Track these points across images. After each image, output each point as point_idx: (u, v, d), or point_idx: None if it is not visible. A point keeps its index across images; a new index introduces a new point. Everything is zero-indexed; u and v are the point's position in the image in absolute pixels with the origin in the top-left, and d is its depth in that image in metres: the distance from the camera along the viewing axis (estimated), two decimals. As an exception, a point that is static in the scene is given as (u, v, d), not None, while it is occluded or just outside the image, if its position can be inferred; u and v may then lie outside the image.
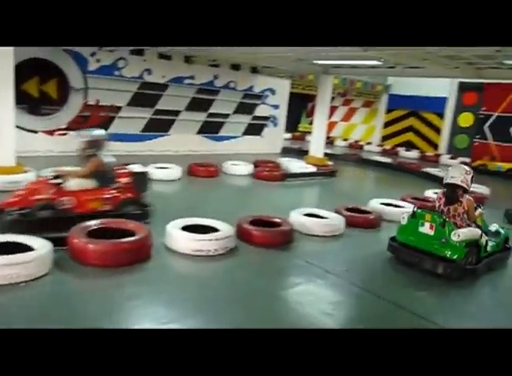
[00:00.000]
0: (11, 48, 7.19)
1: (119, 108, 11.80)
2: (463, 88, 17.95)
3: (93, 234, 4.53)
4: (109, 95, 11.48)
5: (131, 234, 4.60)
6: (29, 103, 10.24)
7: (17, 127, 7.99)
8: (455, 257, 4.77)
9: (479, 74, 10.34)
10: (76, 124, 11.08)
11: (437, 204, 5.30)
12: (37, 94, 10.48)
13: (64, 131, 10.93)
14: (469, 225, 5.08)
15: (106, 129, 11.48)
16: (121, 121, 11.90)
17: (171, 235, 4.97)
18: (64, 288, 3.90)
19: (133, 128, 12.21)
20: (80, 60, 10.82)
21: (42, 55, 10.19)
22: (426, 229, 5.03)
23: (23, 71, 9.15)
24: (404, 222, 5.29)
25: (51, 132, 10.76)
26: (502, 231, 5.68)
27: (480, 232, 5.05)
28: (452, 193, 5.07)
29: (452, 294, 4.62)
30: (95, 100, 11.30)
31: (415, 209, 5.26)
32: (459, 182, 5.00)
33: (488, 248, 5.22)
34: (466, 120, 18.24)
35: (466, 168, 5.21)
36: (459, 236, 4.75)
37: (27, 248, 4.03)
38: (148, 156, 11.71)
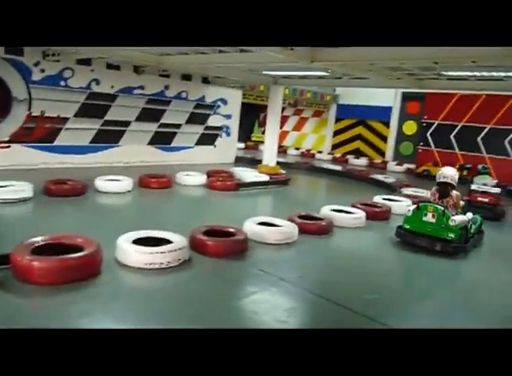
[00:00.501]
0: None
1: (66, 119, 11.41)
2: (407, 97, 18.87)
3: (38, 251, 4.33)
4: (55, 106, 11.08)
5: (80, 249, 4.44)
6: (-34, 114, 9.70)
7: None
8: (454, 238, 6.21)
9: (420, 85, 10.92)
10: (19, 137, 10.62)
11: (432, 198, 6.72)
12: (-24, 105, 9.96)
13: (7, 144, 10.42)
14: (457, 214, 6.43)
15: (52, 141, 11.20)
16: (68, 132, 11.50)
17: (121, 249, 4.84)
18: (6, 309, 3.69)
19: (81, 140, 11.83)
20: (23, 70, 10.38)
21: (-19, 64, 9.71)
22: (429, 218, 6.40)
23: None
24: (409, 214, 6.65)
25: (-9, 145, 10.23)
26: (478, 217, 7.15)
27: (468, 218, 6.48)
28: (445, 189, 6.56)
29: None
30: (40, 111, 10.87)
31: (420, 204, 6.60)
32: (449, 181, 6.49)
33: (472, 230, 6.71)
34: (410, 128, 19.16)
35: (453, 170, 6.79)
36: (455, 221, 6.19)
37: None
38: (97, 168, 11.39)
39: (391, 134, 19.77)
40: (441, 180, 6.56)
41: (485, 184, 11.02)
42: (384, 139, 20.15)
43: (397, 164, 18.32)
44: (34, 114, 10.78)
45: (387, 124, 19.92)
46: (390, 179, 13.61)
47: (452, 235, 6.21)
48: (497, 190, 10.20)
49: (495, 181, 11.73)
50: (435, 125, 17.65)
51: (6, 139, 10.42)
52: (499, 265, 6.37)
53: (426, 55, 6.42)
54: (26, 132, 10.72)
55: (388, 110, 19.64)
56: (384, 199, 9.48)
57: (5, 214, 6.90)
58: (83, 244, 4.54)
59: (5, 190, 7.33)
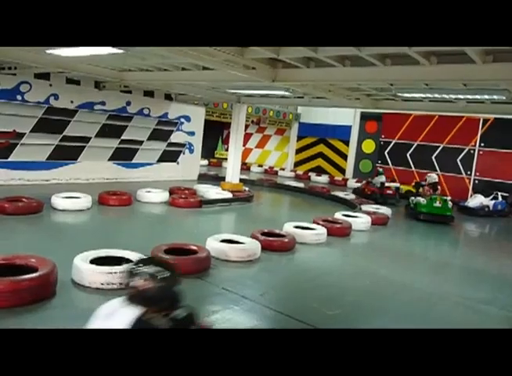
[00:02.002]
0: None
1: (22, 134, 11.02)
2: (365, 117, 19.53)
3: (-12, 272, 4.12)
4: (11, 120, 10.70)
5: (34, 270, 4.25)
6: None
7: None
8: (451, 214, 11.30)
9: (377, 105, 11.35)
10: (-30, 152, 10.16)
11: (427, 193, 11.86)
12: None
13: (-44, 160, 9.93)
14: None
15: (6, 157, 10.76)
16: (24, 148, 11.10)
17: (78, 269, 4.68)
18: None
19: (38, 156, 11.44)
20: (-25, 83, 10.01)
21: None
22: (437, 204, 11.25)
23: None
24: (424, 202, 11.32)
25: None
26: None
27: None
28: (435, 186, 12.02)
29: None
30: (-6, 126, 10.46)
31: (432, 196, 11.43)
32: (437, 180, 12.33)
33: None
34: (369, 146, 19.78)
35: (435, 175, 12.97)
36: (450, 204, 11.35)
37: None
38: (54, 185, 11.02)
39: (351, 152, 20.33)
40: (434, 181, 12.20)
41: (383, 182, 14.44)
42: (345, 156, 20.68)
43: (357, 182, 18.80)
44: (-13, 129, 10.37)
45: (346, 143, 20.47)
46: (350, 196, 13.92)
47: (449, 212, 11.26)
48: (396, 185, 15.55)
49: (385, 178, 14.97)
50: (392, 144, 18.33)
51: (-44, 154, 9.94)
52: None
53: (381, 76, 6.70)
54: (-22, 148, 10.28)
55: (348, 129, 20.23)
56: (345, 215, 9.68)
57: (-48, 233, 6.54)
58: (37, 265, 4.36)
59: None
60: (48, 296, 4.24)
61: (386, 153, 18.53)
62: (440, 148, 17.07)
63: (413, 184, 16.24)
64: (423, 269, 7.14)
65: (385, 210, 11.33)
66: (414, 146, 17.71)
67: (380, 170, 15.57)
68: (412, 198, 12.09)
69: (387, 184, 14.58)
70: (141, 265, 2.39)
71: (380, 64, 6.26)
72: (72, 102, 11.90)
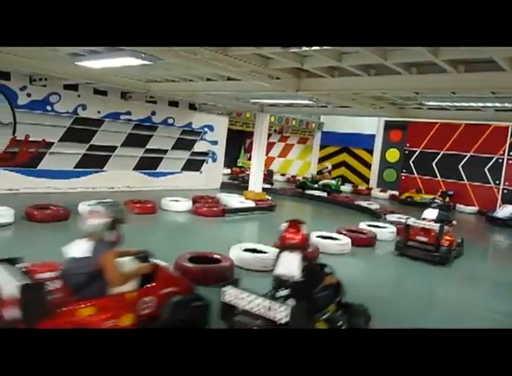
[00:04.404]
0: None
1: (51, 144, 11.34)
2: (389, 126, 19.31)
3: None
4: (41, 130, 11.03)
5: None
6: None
7: None
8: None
9: (402, 114, 11.20)
10: (2, 161, 10.49)
11: (328, 177, 17.48)
12: (-41, 129, 9.86)
13: (-11, 168, 10.28)
14: None
15: (35, 166, 11.08)
16: (53, 156, 11.41)
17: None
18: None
19: (66, 165, 11.74)
20: (9, 94, 10.36)
21: (-34, 88, 9.67)
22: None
23: None
24: (334, 182, 16.69)
25: (-27, 169, 10.08)
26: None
27: None
28: (330, 173, 17.94)
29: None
30: (25, 135, 10.79)
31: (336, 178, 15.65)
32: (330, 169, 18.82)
33: None
34: (393, 155, 19.52)
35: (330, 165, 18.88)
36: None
37: None
38: (81, 193, 11.27)
39: (375, 161, 20.11)
40: (329, 169, 17.78)
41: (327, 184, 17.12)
42: (368, 165, 20.47)
43: (381, 191, 18.56)
44: (18, 138, 10.70)
45: (370, 152, 20.27)
46: (374, 206, 13.74)
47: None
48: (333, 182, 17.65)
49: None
50: (417, 153, 18.05)
51: (-11, 163, 10.29)
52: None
53: (407, 85, 6.63)
54: (9, 156, 10.61)
55: (372, 137, 20.03)
56: (369, 225, 9.55)
57: (-16, 239, 6.74)
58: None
59: (-15, 215, 7.19)
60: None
61: (411, 162, 18.26)
62: (467, 157, 16.71)
63: (439, 194, 15.96)
64: (452, 282, 6.96)
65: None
66: (440, 155, 17.39)
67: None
68: (320, 182, 17.28)
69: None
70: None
71: (406, 73, 6.19)
72: (99, 112, 12.19)
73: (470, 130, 16.26)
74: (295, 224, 3.81)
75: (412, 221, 8.13)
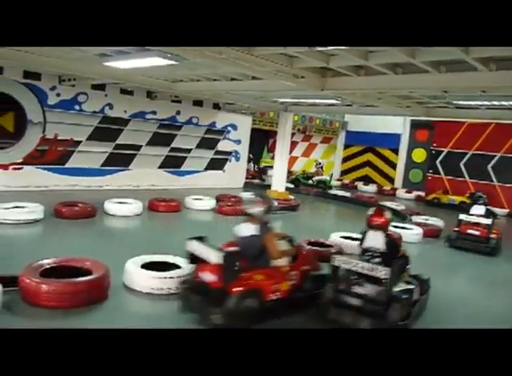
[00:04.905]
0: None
1: (78, 142, 11.60)
2: (415, 125, 18.95)
3: (47, 273, 4.33)
4: (69, 129, 11.29)
5: (88, 273, 4.43)
6: (-18, 136, 9.91)
7: (-31, 161, 7.66)
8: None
9: (429, 113, 10.97)
10: (32, 159, 10.79)
11: (321, 173, 17.36)
12: (-8, 127, 10.19)
13: (20, 166, 10.58)
14: None
15: (63, 164, 11.35)
16: (80, 155, 11.67)
17: (130, 273, 4.82)
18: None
19: (93, 163, 11.98)
20: (39, 94, 10.64)
21: (0, 88, 9.95)
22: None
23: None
24: (329, 178, 16.59)
25: (5, 166, 10.38)
26: None
27: None
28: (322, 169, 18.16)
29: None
30: (54, 134, 11.07)
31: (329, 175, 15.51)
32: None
33: None
34: (420, 155, 19.15)
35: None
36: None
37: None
38: (107, 190, 11.48)
39: (400, 161, 19.78)
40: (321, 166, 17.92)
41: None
42: (393, 165, 20.15)
43: (406, 192, 18.24)
44: (47, 137, 10.99)
45: (395, 151, 19.94)
46: (400, 207, 13.50)
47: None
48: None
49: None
50: (445, 153, 17.65)
51: (19, 160, 10.59)
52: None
53: (435, 84, 6.48)
54: (39, 154, 10.91)
55: (397, 137, 19.71)
56: (394, 227, 9.37)
57: (16, 235, 6.95)
58: (91, 268, 4.53)
59: (17, 211, 7.41)
60: (102, 299, 4.39)
61: (438, 162, 17.86)
62: (497, 157, 16.22)
63: (468, 195, 15.54)
64: (482, 284, 6.79)
65: (436, 221, 10.88)
66: (468, 156, 16.95)
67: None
68: (314, 178, 17.72)
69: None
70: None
71: (435, 71, 6.06)
72: (125, 111, 12.39)
73: (501, 129, 15.77)
74: (379, 210, 4.99)
75: (464, 216, 9.07)
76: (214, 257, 4.02)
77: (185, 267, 5.01)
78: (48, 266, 4.48)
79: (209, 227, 9.48)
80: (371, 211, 5.01)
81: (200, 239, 4.44)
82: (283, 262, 4.54)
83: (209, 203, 10.71)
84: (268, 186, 14.26)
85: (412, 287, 4.66)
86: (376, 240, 4.74)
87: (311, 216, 13.11)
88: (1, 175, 10.24)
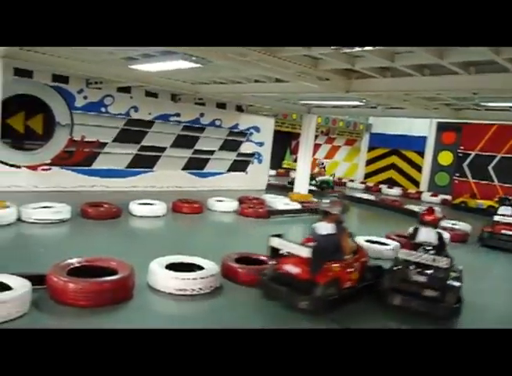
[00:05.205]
0: (-2, 85, 7.19)
1: (104, 144, 11.81)
2: (442, 127, 18.55)
3: (74, 272, 4.41)
4: (95, 131, 11.51)
5: (114, 273, 4.49)
6: (13, 137, 10.19)
7: (0, 162, 7.88)
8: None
9: (457, 115, 10.73)
10: (60, 160, 11.04)
11: (323, 173, 17.00)
12: (23, 129, 10.45)
13: (48, 167, 10.85)
14: None
15: (90, 165, 11.58)
16: (106, 156, 11.88)
17: (154, 273, 4.87)
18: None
19: (118, 164, 12.18)
20: (67, 97, 10.89)
21: (30, 91, 10.23)
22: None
23: (9, 106, 9.11)
24: (331, 179, 16.09)
25: (34, 167, 10.66)
26: None
27: None
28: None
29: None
30: (81, 136, 11.31)
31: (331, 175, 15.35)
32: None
33: None
34: (446, 158, 18.74)
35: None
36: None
37: (4, 287, 3.90)
38: (132, 192, 11.64)
39: (426, 164, 19.39)
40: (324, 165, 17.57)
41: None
42: (419, 168, 19.78)
43: (432, 195, 17.86)
44: (74, 139, 11.23)
45: (421, 154, 19.58)
46: (425, 210, 13.22)
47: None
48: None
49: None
50: (472, 156, 17.22)
51: (48, 161, 10.86)
52: None
53: (464, 85, 6.33)
54: (66, 156, 11.15)
55: (423, 139, 19.34)
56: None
57: (43, 235, 7.12)
58: (117, 267, 4.59)
59: (45, 211, 7.59)
60: (127, 298, 4.44)
61: (465, 165, 17.44)
62: (527, 161, 15.75)
63: (496, 199, 15.11)
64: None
65: (464, 226, 10.62)
66: (497, 159, 16.49)
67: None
68: (318, 179, 16.97)
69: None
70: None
71: (464, 72, 5.92)
72: (150, 113, 12.55)
73: (532, 132, 15.31)
74: (430, 209, 5.73)
75: (498, 217, 9.60)
76: (304, 252, 4.64)
77: (209, 268, 5.03)
78: (75, 265, 4.57)
79: (230, 229, 9.51)
80: (423, 209, 5.84)
81: (280, 236, 5.02)
82: (350, 255, 5.18)
83: (231, 205, 10.73)
84: (291, 189, 14.21)
85: (458, 275, 5.12)
86: (428, 236, 5.39)
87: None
88: (30, 176, 10.51)
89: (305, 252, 4.63)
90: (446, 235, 8.89)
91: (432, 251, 5.21)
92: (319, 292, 4.54)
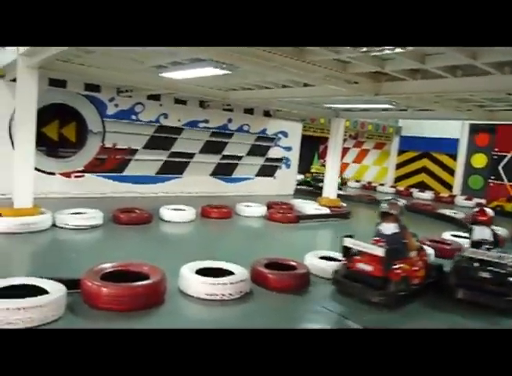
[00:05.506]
0: (35, 95, 7.45)
1: (135, 151, 12.06)
2: (475, 129, 18.01)
3: (107, 277, 4.50)
4: (126, 138, 11.77)
5: (146, 277, 4.56)
6: (48, 145, 10.54)
7: (35, 169, 8.15)
8: None
9: (491, 117, 10.40)
10: (92, 167, 11.34)
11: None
12: (57, 137, 10.80)
13: (81, 174, 11.16)
14: None
15: (121, 171, 11.84)
16: (137, 163, 12.12)
17: (185, 278, 4.91)
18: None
19: (148, 171, 12.41)
20: (99, 105, 11.20)
21: (64, 100, 10.58)
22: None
23: (44, 115, 9.44)
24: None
25: (68, 174, 10.98)
26: None
27: None
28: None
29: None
30: (112, 143, 11.59)
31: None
32: None
33: None
34: (480, 161, 18.18)
35: None
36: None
37: (41, 291, 4.02)
38: (162, 197, 11.83)
39: (459, 167, 18.86)
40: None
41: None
42: (451, 172, 19.26)
43: (466, 199, 17.35)
44: (106, 146, 11.52)
45: (453, 157, 19.06)
46: (459, 215, 12.86)
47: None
48: None
49: None
50: (508, 158, 16.63)
51: (81, 168, 11.17)
52: None
53: (499, 86, 6.12)
54: (98, 163, 11.45)
55: (454, 142, 18.84)
56: (454, 236, 8.94)
57: (77, 240, 7.31)
58: (149, 272, 4.66)
59: (78, 217, 7.80)
60: (159, 303, 4.50)
61: (500, 167, 16.87)
62: None
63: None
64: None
65: (500, 230, 10.24)
66: (535, 161, 15.89)
67: None
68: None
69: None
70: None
71: (498, 72, 5.73)
72: (179, 120, 12.75)
73: None
74: (482, 210, 6.14)
75: None
76: (378, 251, 5.00)
77: (238, 273, 5.04)
78: (108, 270, 4.67)
79: (259, 234, 9.51)
80: (476, 209, 6.29)
81: (351, 236, 5.50)
82: (414, 253, 5.57)
83: (260, 210, 10.74)
84: (319, 194, 14.10)
85: None
86: (484, 234, 5.82)
87: (364, 224, 12.76)
88: (63, 183, 10.84)
89: (380, 252, 4.99)
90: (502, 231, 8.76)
91: (491, 247, 5.65)
92: (393, 288, 4.97)
